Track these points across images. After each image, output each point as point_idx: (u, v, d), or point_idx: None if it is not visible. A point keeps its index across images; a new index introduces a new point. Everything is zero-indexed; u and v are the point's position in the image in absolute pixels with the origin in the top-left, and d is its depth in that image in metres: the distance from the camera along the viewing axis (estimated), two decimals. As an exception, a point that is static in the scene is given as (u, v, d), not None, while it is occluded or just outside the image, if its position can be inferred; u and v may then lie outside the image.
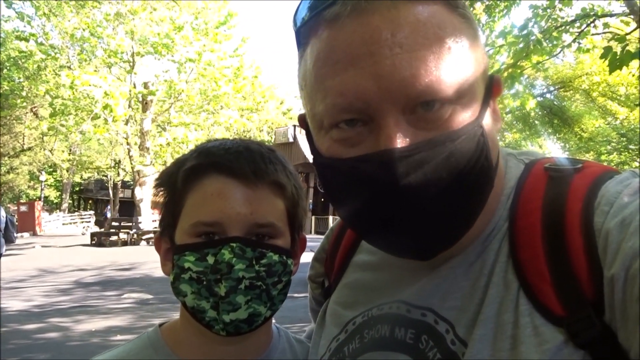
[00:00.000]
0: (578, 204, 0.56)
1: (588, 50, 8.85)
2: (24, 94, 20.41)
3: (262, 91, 20.67)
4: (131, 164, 19.45)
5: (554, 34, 7.34)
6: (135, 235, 19.08)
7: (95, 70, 17.06)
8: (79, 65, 18.40)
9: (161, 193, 0.88)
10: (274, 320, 0.94)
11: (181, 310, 0.87)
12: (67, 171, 34.62)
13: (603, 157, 21.40)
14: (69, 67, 18.31)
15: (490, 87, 0.62)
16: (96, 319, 7.37)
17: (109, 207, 35.20)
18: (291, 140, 28.54)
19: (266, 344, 0.92)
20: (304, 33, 0.62)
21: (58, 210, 38.68)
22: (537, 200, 0.60)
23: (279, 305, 0.85)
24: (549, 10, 7.54)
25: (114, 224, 20.43)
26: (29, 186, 40.92)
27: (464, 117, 0.56)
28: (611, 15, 7.52)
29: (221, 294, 0.77)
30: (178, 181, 0.84)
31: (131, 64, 18.67)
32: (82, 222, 34.55)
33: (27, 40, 17.56)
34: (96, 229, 26.71)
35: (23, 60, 18.35)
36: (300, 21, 0.62)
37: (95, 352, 0.92)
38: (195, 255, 0.79)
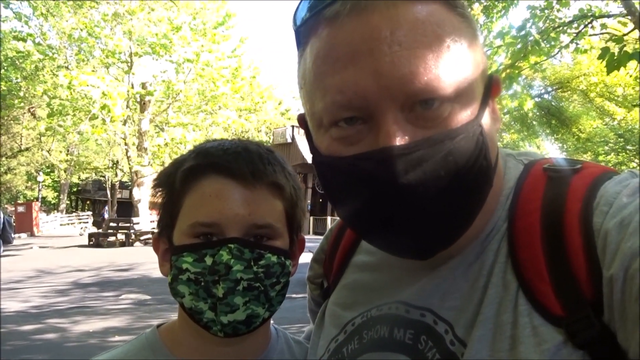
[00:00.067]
0: (577, 204, 0.56)
1: (586, 51, 8.89)
2: (21, 94, 20.34)
3: (261, 91, 20.72)
4: (129, 164, 19.40)
5: (552, 34, 7.36)
6: (133, 236, 19.05)
7: (93, 71, 17.03)
8: (77, 66, 18.36)
9: (159, 193, 0.88)
10: (272, 321, 0.94)
11: (179, 311, 0.87)
12: (65, 172, 34.57)
13: (601, 158, 21.46)
14: (67, 68, 18.27)
15: (490, 86, 0.62)
16: (94, 319, 7.36)
17: (106, 207, 35.11)
18: (289, 140, 28.54)
19: (264, 345, 0.92)
20: (303, 32, 0.62)
21: (56, 211, 38.60)
22: (536, 201, 0.60)
23: (277, 306, 0.85)
24: (546, 11, 7.56)
25: (111, 224, 20.38)
26: (26, 187, 40.81)
27: (463, 115, 0.56)
28: (609, 16, 7.55)
29: (219, 295, 0.77)
30: (176, 182, 0.84)
31: (129, 64, 18.65)
32: (80, 222, 34.49)
33: (24, 40, 17.54)
34: (94, 229, 26.66)
35: (20, 61, 18.28)
36: (300, 20, 0.62)
37: (93, 353, 0.92)
38: (193, 256, 0.79)
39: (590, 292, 0.50)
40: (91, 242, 19.48)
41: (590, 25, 7.59)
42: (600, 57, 5.83)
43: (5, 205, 31.37)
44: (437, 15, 0.56)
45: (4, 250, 10.38)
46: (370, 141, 0.56)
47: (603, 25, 7.72)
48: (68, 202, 44.22)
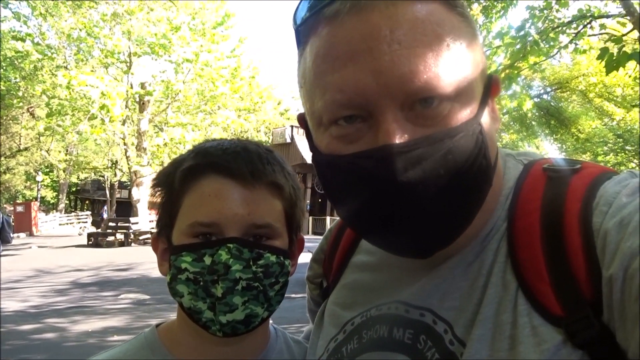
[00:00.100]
0: (577, 204, 0.56)
1: (585, 52, 8.90)
2: (20, 94, 20.35)
3: (260, 92, 20.70)
4: (128, 164, 19.40)
5: (551, 35, 7.37)
6: (132, 236, 19.03)
7: (92, 71, 17.01)
8: (76, 66, 18.34)
9: (158, 193, 0.88)
10: (271, 321, 0.94)
11: (178, 311, 0.87)
12: (64, 171, 34.50)
13: (600, 158, 21.49)
14: (66, 67, 18.25)
15: (489, 86, 0.62)
16: (93, 319, 7.36)
17: (105, 207, 35.06)
18: (289, 140, 28.55)
19: (263, 345, 0.92)
20: (303, 32, 0.62)
21: (55, 211, 38.58)
22: (536, 201, 0.60)
23: (276, 306, 0.84)
24: (545, 12, 7.57)
25: (110, 224, 20.37)
26: (25, 186, 40.79)
27: (463, 114, 0.56)
28: (608, 17, 7.56)
29: (218, 294, 0.76)
30: (175, 181, 0.83)
31: (128, 64, 18.64)
32: (79, 222, 34.45)
33: (23, 40, 17.53)
34: (93, 229, 26.64)
35: (19, 61, 18.27)
36: (300, 20, 0.62)
37: (92, 353, 0.92)
38: (192, 255, 0.79)
39: (590, 292, 0.50)
40: (90, 242, 19.47)
41: (589, 26, 7.60)
42: (599, 57, 5.84)
43: (4, 205, 31.34)
44: (436, 15, 0.56)
45: (2, 250, 10.36)
46: (370, 139, 0.56)
47: (602, 26, 7.74)
48: (67, 201, 44.18)
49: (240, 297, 0.77)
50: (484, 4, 8.42)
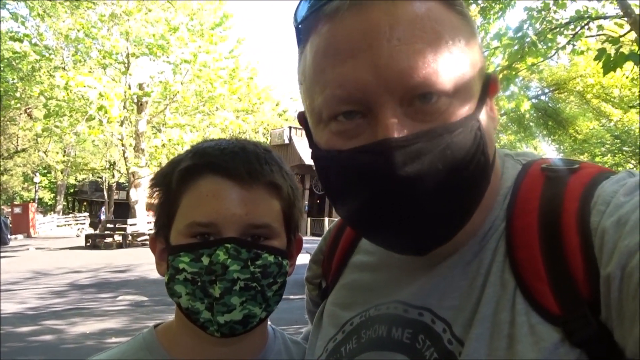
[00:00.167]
0: (574, 203, 0.56)
1: (582, 53, 8.93)
2: (18, 95, 20.27)
3: (258, 93, 20.64)
4: (126, 165, 19.36)
5: (549, 36, 7.39)
6: (130, 237, 18.99)
7: (89, 72, 16.95)
8: (74, 66, 18.30)
9: (156, 193, 0.88)
10: (269, 322, 0.94)
11: (176, 311, 0.86)
12: (62, 173, 34.45)
13: (597, 159, 21.50)
14: (64, 68, 18.21)
15: (488, 84, 0.63)
16: (91, 321, 7.34)
17: (103, 209, 34.99)
18: (287, 141, 28.53)
19: (262, 345, 0.92)
20: (304, 30, 0.63)
21: (52, 212, 38.48)
22: (534, 201, 0.60)
23: (274, 306, 0.84)
24: (543, 13, 7.59)
25: (108, 225, 20.32)
26: (23, 188, 40.73)
27: (462, 110, 0.57)
28: (605, 18, 7.58)
29: (216, 295, 0.76)
30: (173, 181, 0.83)
31: (126, 65, 18.61)
32: (77, 223, 34.33)
33: (21, 41, 17.46)
34: (91, 231, 26.56)
35: (17, 61, 18.19)
36: (300, 18, 0.63)
37: (90, 355, 0.92)
38: (190, 256, 0.79)
39: (588, 291, 0.51)
40: (88, 244, 19.41)
41: (586, 27, 7.62)
42: (597, 58, 5.87)
43: (2, 207, 31.25)
44: (436, 12, 0.57)
45: (0, 252, 10.33)
46: (369, 135, 0.56)
47: (599, 27, 7.76)
48: (65, 203, 44.07)
49: (238, 298, 0.77)
50: (482, 5, 8.44)
